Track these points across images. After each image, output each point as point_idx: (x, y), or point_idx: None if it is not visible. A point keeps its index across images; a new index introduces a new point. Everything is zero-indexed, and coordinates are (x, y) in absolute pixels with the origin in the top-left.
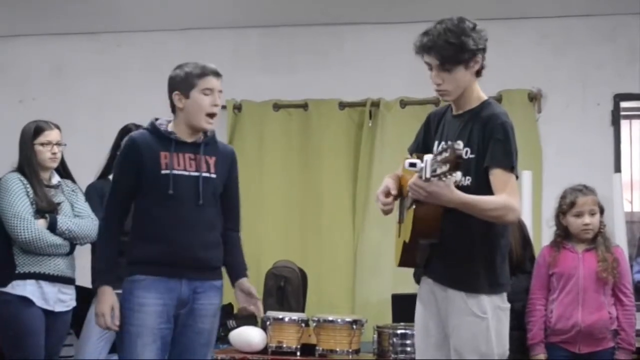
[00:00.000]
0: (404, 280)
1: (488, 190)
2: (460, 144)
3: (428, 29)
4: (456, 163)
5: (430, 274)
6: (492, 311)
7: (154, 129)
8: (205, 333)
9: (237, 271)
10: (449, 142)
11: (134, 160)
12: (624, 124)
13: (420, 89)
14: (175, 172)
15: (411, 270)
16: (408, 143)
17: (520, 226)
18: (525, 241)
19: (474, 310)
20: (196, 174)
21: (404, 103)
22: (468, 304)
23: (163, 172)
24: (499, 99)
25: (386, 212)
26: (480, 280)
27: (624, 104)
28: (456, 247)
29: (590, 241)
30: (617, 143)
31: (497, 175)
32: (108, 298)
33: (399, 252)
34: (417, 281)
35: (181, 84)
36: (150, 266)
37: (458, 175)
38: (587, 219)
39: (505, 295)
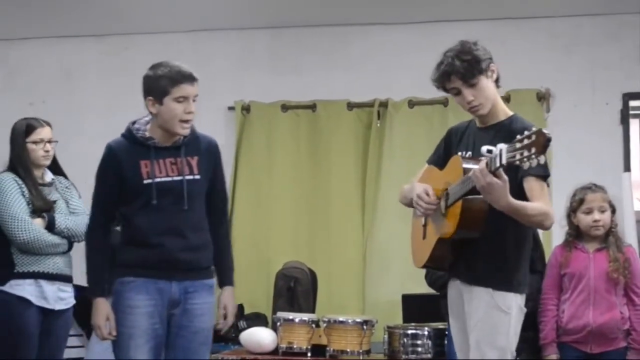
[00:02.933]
0: (414, 281)
1: (514, 197)
2: (547, 131)
3: (439, 61)
4: (544, 146)
5: (458, 275)
6: (516, 309)
7: (130, 135)
8: (203, 332)
9: (223, 277)
10: (532, 129)
11: (114, 171)
12: (633, 123)
13: (429, 89)
14: (158, 179)
15: (422, 271)
16: (417, 143)
17: None
18: (535, 241)
19: (499, 304)
20: (179, 178)
21: (412, 103)
22: (494, 298)
23: (145, 181)
24: (507, 98)
25: (426, 214)
26: (508, 279)
27: (632, 103)
28: (489, 249)
29: (601, 241)
30: (627, 142)
31: (532, 183)
32: (102, 309)
33: (427, 252)
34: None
35: (154, 89)
36: (139, 269)
37: (542, 159)
38: (596, 215)
39: (525, 296)
